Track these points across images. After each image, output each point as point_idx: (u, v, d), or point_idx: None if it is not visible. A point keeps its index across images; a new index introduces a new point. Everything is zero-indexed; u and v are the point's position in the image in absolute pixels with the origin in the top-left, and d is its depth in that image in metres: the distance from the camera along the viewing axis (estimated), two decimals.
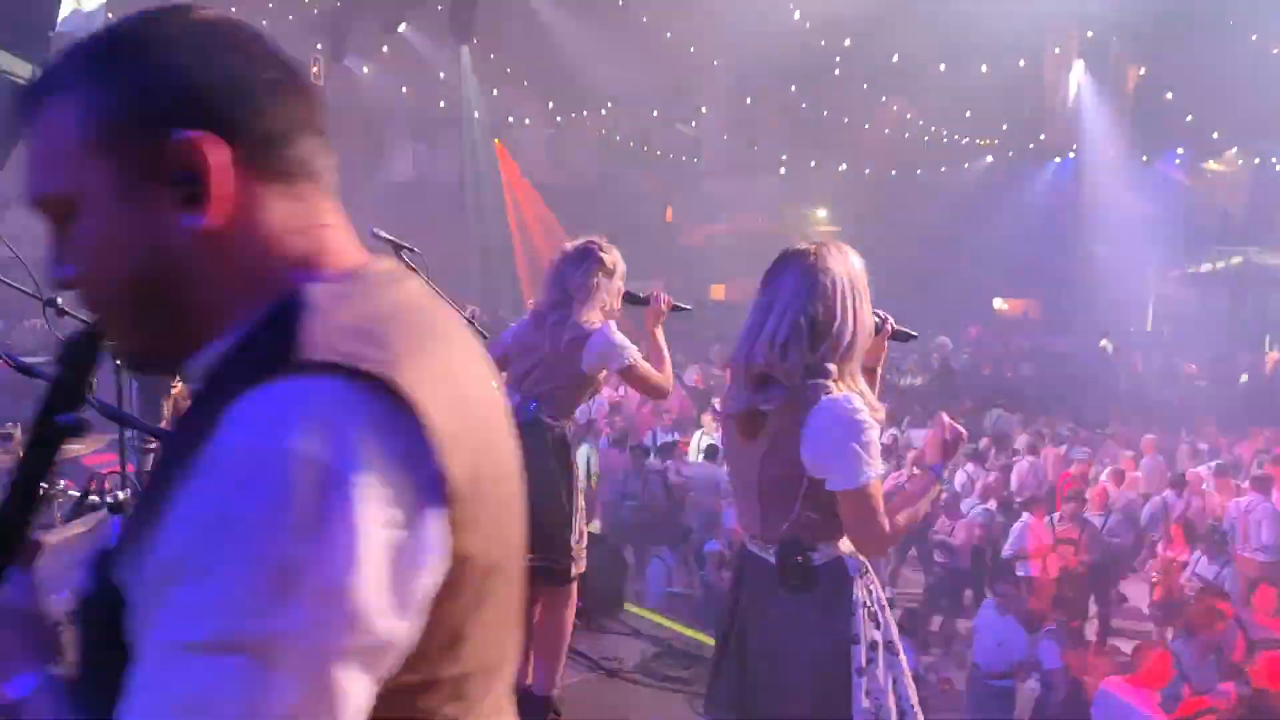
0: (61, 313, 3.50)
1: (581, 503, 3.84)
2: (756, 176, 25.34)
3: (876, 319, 2.61)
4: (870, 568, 2.48)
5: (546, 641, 3.94)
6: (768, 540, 2.45)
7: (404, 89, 19.77)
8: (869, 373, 2.62)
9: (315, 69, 16.99)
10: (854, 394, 2.33)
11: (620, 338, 3.63)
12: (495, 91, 20.46)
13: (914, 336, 2.87)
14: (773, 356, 2.34)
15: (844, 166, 24.80)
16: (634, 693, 4.46)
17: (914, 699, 2.46)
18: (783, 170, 25.86)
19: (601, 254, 3.68)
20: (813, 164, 24.69)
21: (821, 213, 30.39)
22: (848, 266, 2.41)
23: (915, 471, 2.52)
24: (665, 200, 28.68)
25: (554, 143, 23.56)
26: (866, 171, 24.94)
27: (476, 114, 20.81)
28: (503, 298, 26.44)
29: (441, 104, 21.09)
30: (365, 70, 18.50)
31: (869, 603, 2.40)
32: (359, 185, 24.55)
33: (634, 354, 3.65)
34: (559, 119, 22.49)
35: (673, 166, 24.85)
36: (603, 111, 22.28)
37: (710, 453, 10.90)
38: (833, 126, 21.75)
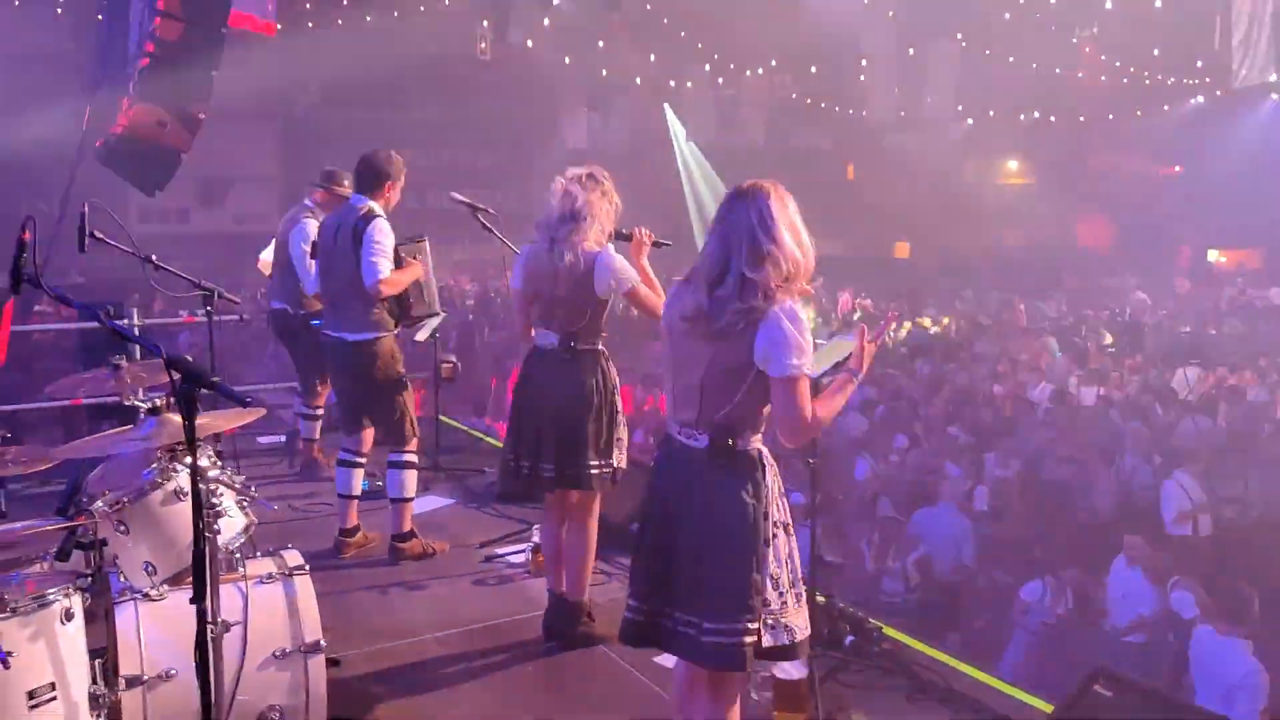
0: (157, 267, 4.10)
1: (621, 419, 4.16)
2: (937, 129, 24.52)
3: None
4: (773, 462, 2.84)
5: (574, 550, 4.24)
6: (701, 429, 2.80)
7: (566, 59, 20.28)
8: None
9: (483, 45, 17.71)
10: (798, 304, 2.72)
11: (622, 261, 3.94)
12: (652, 56, 20.65)
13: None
14: (738, 279, 2.71)
15: (1037, 115, 23.61)
16: None
17: (801, 569, 2.86)
18: (970, 120, 24.90)
19: (605, 180, 3.96)
20: (991, 113, 23.63)
21: (1012, 164, 29.08)
22: (787, 206, 2.78)
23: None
24: (844, 158, 28.17)
25: (721, 104, 23.56)
26: (1052, 119, 23.65)
27: (638, 80, 21.09)
28: (679, 263, 26.87)
29: (604, 72, 21.48)
30: (529, 44, 19.09)
31: (774, 489, 2.80)
32: (536, 156, 25.47)
33: (634, 277, 3.94)
34: (720, 79, 22.44)
35: (849, 123, 24.38)
36: (754, 71, 22.06)
37: None
38: (1011, 72, 20.73)
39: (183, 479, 2.98)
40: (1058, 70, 21.48)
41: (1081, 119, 23.58)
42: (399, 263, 4.96)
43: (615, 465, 4.15)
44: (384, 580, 4.96)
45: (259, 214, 24.34)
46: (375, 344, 4.94)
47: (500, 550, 5.38)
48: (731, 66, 22.19)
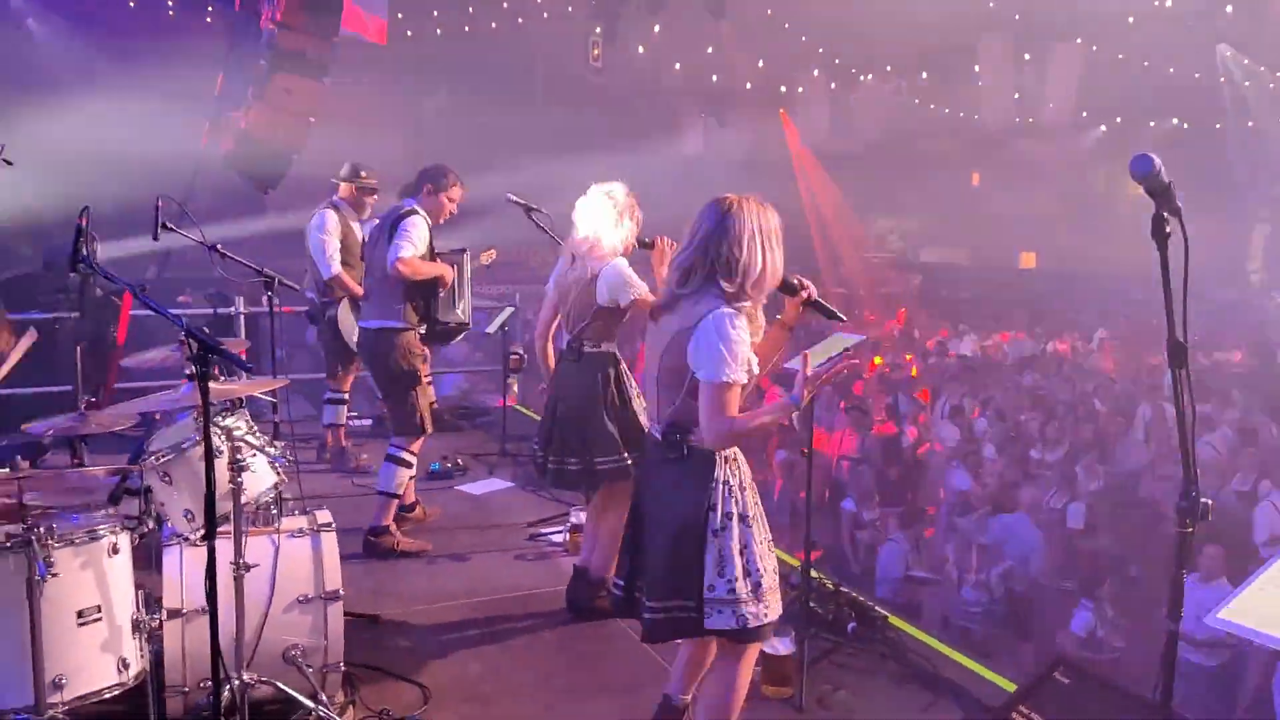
0: (223, 256, 4.59)
1: (638, 411, 4.40)
2: (1066, 136, 23.90)
3: (795, 283, 3.12)
4: (739, 454, 3.02)
5: (604, 532, 4.55)
6: (659, 421, 3.04)
7: (677, 65, 20.62)
8: (782, 330, 3.18)
9: (596, 52, 18.19)
10: (740, 316, 2.85)
11: (625, 275, 4.21)
12: (760, 62, 20.77)
13: (840, 317, 3.29)
14: (683, 277, 2.93)
15: (1175, 121, 22.76)
16: None
17: (764, 565, 2.96)
18: (1103, 128, 24.20)
19: (622, 196, 4.26)
20: (1118, 120, 22.91)
21: None
22: (761, 217, 2.91)
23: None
24: (967, 164, 27.70)
25: (835, 109, 23.49)
26: (1185, 126, 22.78)
27: (748, 85, 21.25)
28: (795, 269, 26.81)
29: (714, 78, 21.71)
30: (640, 50, 19.51)
31: (730, 481, 2.95)
32: (651, 161, 25.89)
33: (640, 290, 4.23)
34: (833, 84, 22.38)
35: (969, 128, 23.99)
36: (867, 75, 21.85)
37: None
38: (1145, 77, 20.10)
39: (217, 441, 3.42)
40: (1196, 75, 20.74)
41: (1218, 125, 22.64)
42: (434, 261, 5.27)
43: (624, 460, 4.35)
44: (433, 552, 5.37)
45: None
46: (395, 334, 5.18)
47: (544, 530, 5.73)
48: (849, 70, 22.09)
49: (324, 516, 3.83)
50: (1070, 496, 9.55)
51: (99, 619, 3.10)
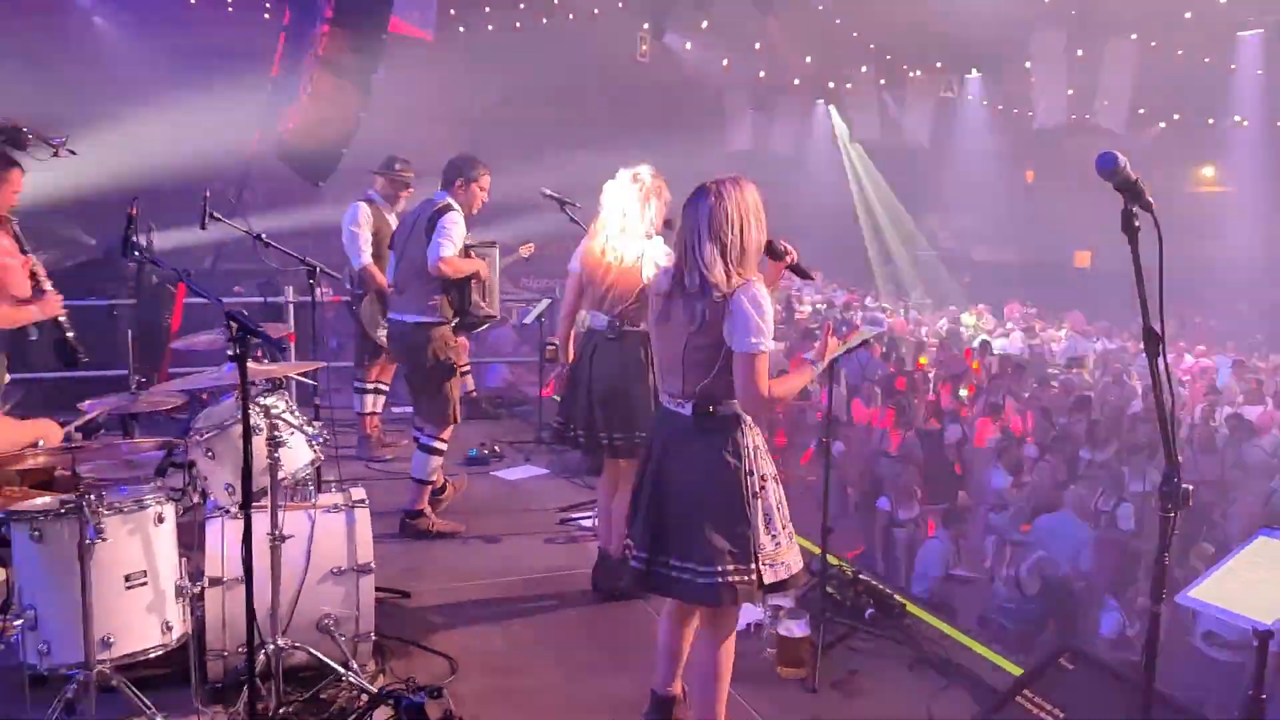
0: (266, 245, 4.80)
1: None
2: (1122, 134, 23.52)
3: (782, 249, 3.37)
4: (754, 424, 3.21)
5: (621, 512, 4.66)
6: (686, 398, 3.19)
7: (724, 61, 20.67)
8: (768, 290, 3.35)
9: (644, 48, 18.30)
10: (764, 286, 3.09)
11: (665, 252, 4.32)
12: (808, 58, 20.74)
13: (810, 277, 3.62)
14: (709, 268, 3.08)
15: (1237, 118, 22.30)
16: None
17: (789, 515, 3.24)
18: (1161, 125, 23.81)
19: (650, 179, 4.38)
20: (1176, 116, 22.53)
21: (1207, 171, 27.50)
22: (743, 196, 3.11)
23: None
24: (1021, 161, 27.40)
25: (885, 105, 23.37)
26: (1245, 123, 22.32)
27: (796, 81, 21.22)
28: (845, 265, 26.77)
29: (761, 73, 21.72)
30: (687, 46, 19.60)
31: (758, 444, 3.18)
32: (702, 157, 25.96)
33: None
34: (882, 80, 22.26)
35: (1021, 125, 23.72)
36: (917, 71, 21.71)
37: None
38: (1202, 72, 19.77)
39: (258, 416, 3.61)
40: (1259, 72, 20.33)
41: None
42: (467, 256, 5.41)
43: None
44: (466, 533, 5.55)
45: None
46: (431, 329, 5.33)
47: (574, 515, 5.89)
48: (899, 66, 21.97)
49: (358, 494, 4.01)
50: (1119, 498, 9.51)
51: (144, 583, 3.30)
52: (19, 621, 3.14)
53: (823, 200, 25.58)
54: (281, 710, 3.48)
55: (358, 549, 3.82)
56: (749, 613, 4.33)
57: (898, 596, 4.68)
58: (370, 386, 7.04)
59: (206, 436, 3.56)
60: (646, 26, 18.42)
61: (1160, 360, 2.13)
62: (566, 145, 24.96)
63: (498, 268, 5.75)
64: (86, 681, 3.11)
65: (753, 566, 3.07)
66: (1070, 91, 20.69)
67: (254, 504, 3.57)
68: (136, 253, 3.06)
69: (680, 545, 3.15)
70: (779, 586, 3.18)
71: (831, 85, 23.37)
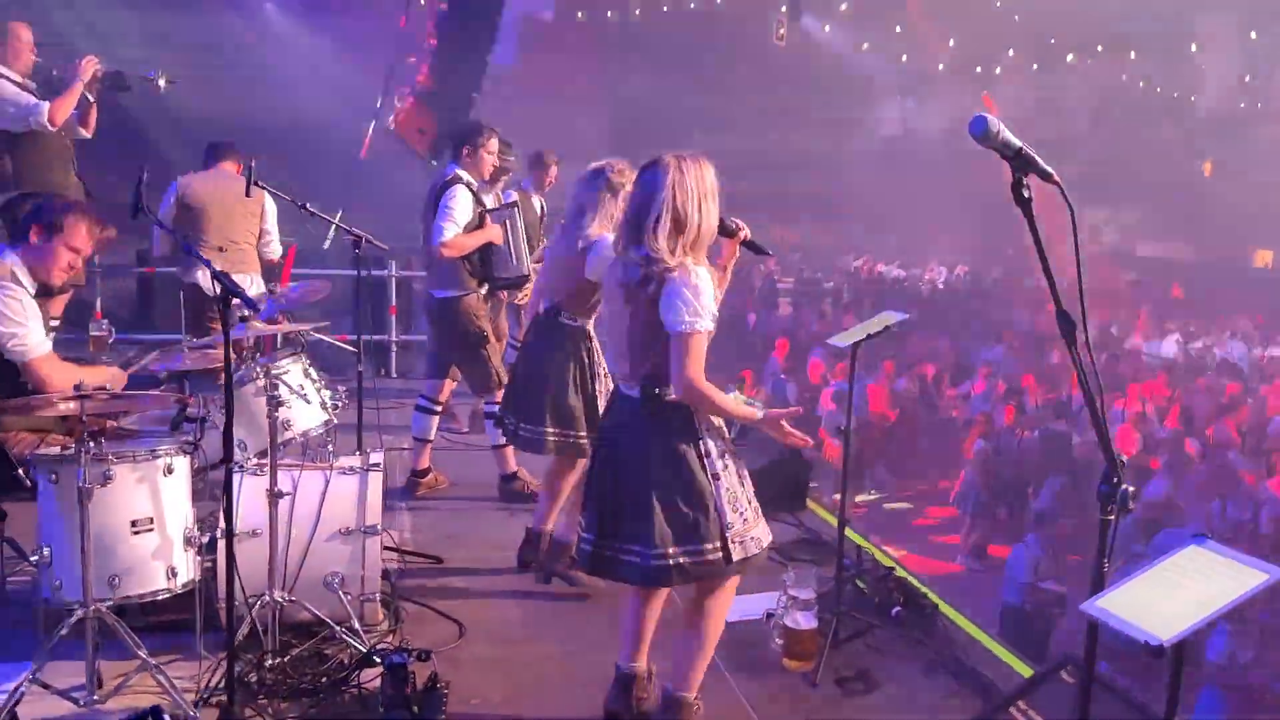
0: (312, 214, 4.96)
1: (601, 388, 4.45)
2: None
3: (733, 225, 3.34)
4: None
5: (551, 495, 4.68)
6: (635, 380, 3.14)
7: (865, 44, 20.12)
8: (720, 271, 3.36)
9: (781, 31, 18.03)
10: (701, 266, 3.01)
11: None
12: (951, 41, 19.95)
13: (767, 253, 3.60)
14: (657, 243, 3.01)
15: None
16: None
17: (752, 490, 3.20)
18: None
19: (610, 175, 4.27)
20: None
21: None
22: (699, 175, 3.03)
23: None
24: (1193, 151, 25.69)
25: (1040, 90, 22.30)
26: None
27: (941, 65, 20.48)
28: (999, 254, 25.72)
29: (904, 58, 21.05)
30: (826, 29, 19.17)
31: (712, 422, 3.12)
32: (847, 142, 25.43)
33: None
34: (1035, 65, 21.22)
35: (1191, 112, 22.29)
36: (1074, 55, 20.56)
37: None
38: None
39: (263, 377, 3.77)
40: None
41: None
42: (483, 226, 5.39)
43: (579, 438, 4.39)
44: (508, 508, 5.65)
45: None
46: (458, 301, 5.44)
47: None
48: (1051, 48, 20.91)
49: (375, 457, 4.11)
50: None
51: (151, 529, 3.48)
52: (35, 558, 3.37)
53: (974, 188, 24.65)
54: (275, 660, 3.61)
55: (367, 511, 3.91)
56: (764, 600, 4.25)
57: (932, 596, 4.49)
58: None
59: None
60: (784, 9, 18.14)
61: (1080, 350, 1.96)
62: (715, 127, 25.01)
63: (519, 228, 5.68)
64: (84, 617, 3.30)
65: (716, 545, 3.03)
66: (1247, 78, 19.28)
67: (264, 461, 3.73)
68: (144, 214, 3.21)
69: (631, 528, 3.11)
70: (748, 562, 3.12)
71: (979, 69, 22.45)
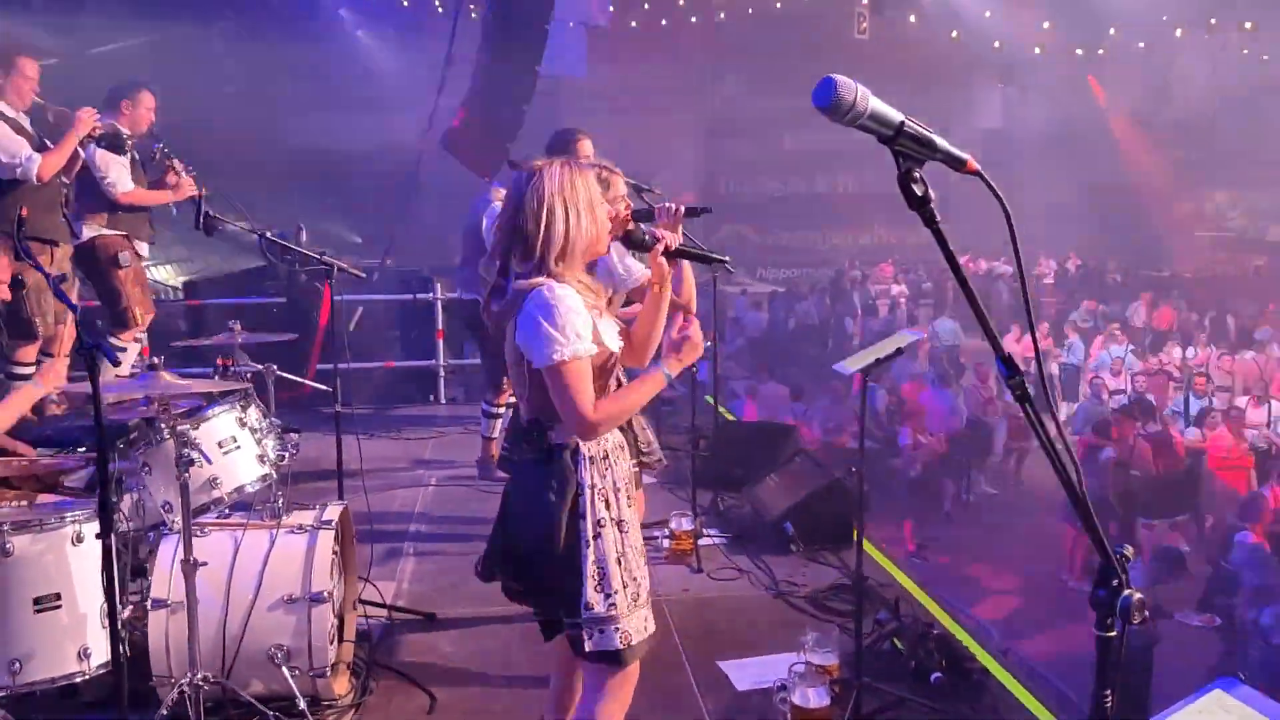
0: (274, 243, 4.61)
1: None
2: None
3: (644, 236, 2.79)
4: (611, 453, 2.60)
5: None
6: (529, 420, 2.66)
7: (954, 33, 19.08)
8: (656, 290, 2.74)
9: (864, 24, 17.23)
10: (560, 284, 2.46)
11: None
12: (1045, 24, 18.75)
13: (717, 260, 3.02)
14: (493, 265, 2.58)
15: None
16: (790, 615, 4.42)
17: (637, 569, 2.59)
18: None
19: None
20: None
21: None
22: (563, 182, 2.50)
23: None
24: None
25: (1152, 69, 20.80)
26: None
27: (1037, 50, 19.27)
28: (1112, 245, 24.17)
29: (996, 44, 19.91)
30: (911, 19, 18.25)
31: (599, 484, 2.55)
32: (946, 136, 24.17)
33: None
34: (1141, 44, 19.78)
35: None
36: (1189, 29, 19.03)
37: None
38: None
39: (196, 431, 3.37)
40: None
41: None
42: None
43: None
44: None
45: (681, 200, 25.78)
46: None
47: (656, 533, 5.34)
48: (1159, 23, 19.47)
49: (332, 513, 3.69)
50: None
51: (58, 606, 3.12)
52: None
53: (1084, 178, 23.28)
54: None
55: (313, 575, 3.49)
56: (782, 663, 3.69)
57: (983, 655, 3.83)
58: (499, 410, 6.45)
59: (141, 450, 3.35)
60: (865, 2, 17.34)
61: (1024, 386, 1.38)
62: (801, 129, 24.22)
63: None
64: None
65: (576, 621, 2.50)
66: None
67: (197, 520, 3.35)
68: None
69: (518, 574, 2.67)
70: (608, 659, 2.53)
71: (1079, 51, 21.10)
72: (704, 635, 4.27)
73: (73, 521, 3.17)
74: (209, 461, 3.30)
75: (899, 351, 3.33)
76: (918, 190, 1.29)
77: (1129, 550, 1.54)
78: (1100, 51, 20.96)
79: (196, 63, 15.43)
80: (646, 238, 2.73)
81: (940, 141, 1.34)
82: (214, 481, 3.41)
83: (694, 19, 25.02)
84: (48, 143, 5.49)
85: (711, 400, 8.81)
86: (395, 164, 14.44)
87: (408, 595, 4.66)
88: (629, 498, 2.62)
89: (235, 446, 3.44)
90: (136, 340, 5.91)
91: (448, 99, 10.82)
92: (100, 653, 3.19)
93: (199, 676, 3.21)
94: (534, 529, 2.54)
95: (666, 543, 5.13)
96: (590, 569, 2.49)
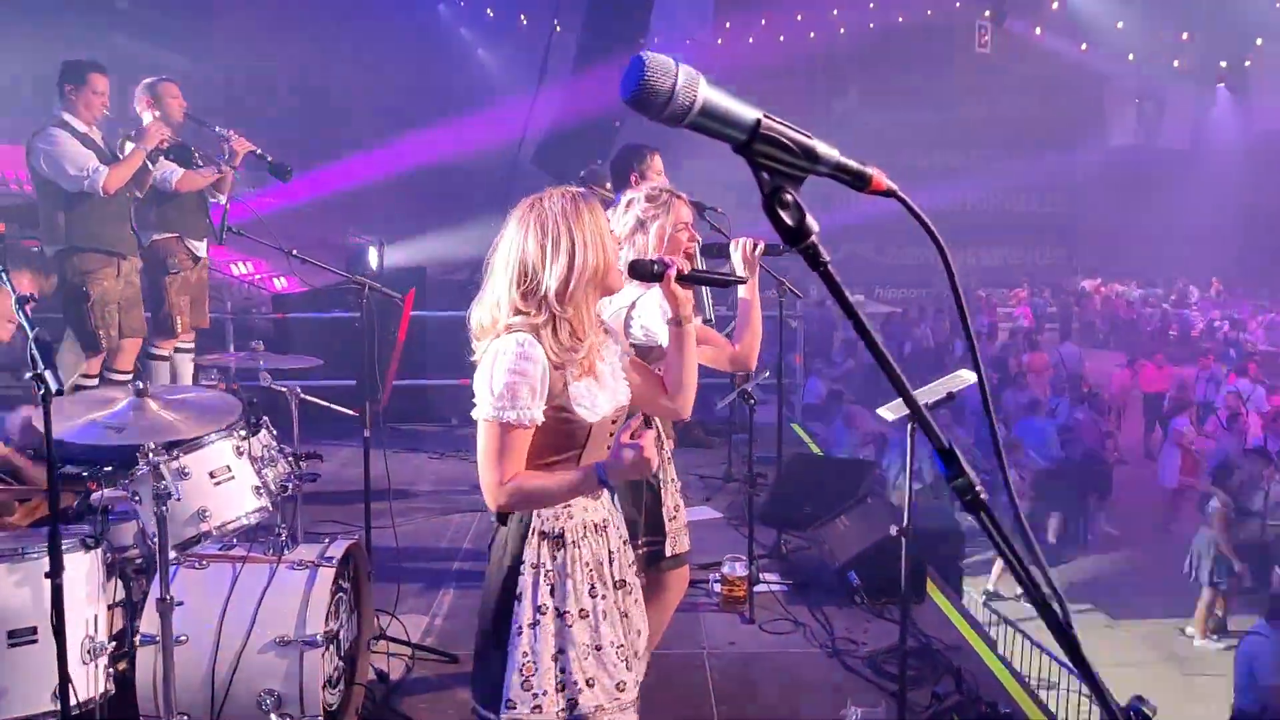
0: (302, 261, 4.45)
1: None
2: None
3: (650, 268, 2.40)
4: (566, 534, 2.23)
5: None
6: None
7: (1083, 45, 18.05)
8: (676, 326, 2.45)
9: (984, 37, 16.47)
10: (534, 343, 2.14)
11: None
12: (1184, 34, 17.57)
13: (735, 281, 2.72)
14: (482, 302, 2.26)
15: None
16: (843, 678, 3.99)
17: (583, 673, 2.21)
18: None
19: (642, 209, 3.38)
20: None
21: None
22: (557, 215, 2.19)
23: None
24: None
25: None
26: None
27: (1176, 62, 18.09)
28: (1268, 270, 22.61)
29: (1130, 57, 18.79)
30: (1037, 31, 17.34)
31: (547, 564, 2.21)
32: (1074, 156, 23.11)
33: None
34: None
35: None
36: None
37: None
38: None
39: (185, 460, 3.19)
40: None
41: None
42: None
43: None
44: None
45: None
46: None
47: (711, 575, 4.98)
48: None
49: (336, 550, 3.46)
50: None
51: (34, 640, 2.96)
52: None
53: (1230, 199, 21.86)
54: None
55: (308, 617, 3.26)
56: None
57: None
58: None
59: (131, 478, 3.18)
60: (987, 14, 16.54)
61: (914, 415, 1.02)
62: (932, 144, 23.42)
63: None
64: None
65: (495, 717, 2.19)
66: None
67: (195, 551, 3.18)
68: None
69: None
70: None
71: (1224, 64, 19.76)
72: (742, 696, 3.90)
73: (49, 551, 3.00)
74: (177, 497, 3.10)
75: (950, 397, 2.91)
76: (788, 218, 0.91)
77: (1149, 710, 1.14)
78: (1246, 64, 19.62)
79: (327, 77, 15.84)
80: (655, 267, 2.38)
81: (823, 149, 0.97)
82: (203, 514, 3.22)
83: (812, 34, 24.55)
84: (119, 155, 5.50)
85: (799, 430, 8.40)
86: (492, 178, 14.52)
87: (439, 632, 4.43)
88: (612, 584, 2.27)
89: (229, 477, 3.25)
90: (181, 350, 5.88)
91: (541, 114, 10.67)
92: (79, 690, 3.02)
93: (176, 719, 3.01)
94: (482, 605, 2.27)
95: (719, 587, 4.76)
96: (519, 659, 2.16)
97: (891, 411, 3.04)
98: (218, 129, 5.65)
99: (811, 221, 0.93)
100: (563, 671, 2.17)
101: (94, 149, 5.41)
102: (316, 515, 5.36)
